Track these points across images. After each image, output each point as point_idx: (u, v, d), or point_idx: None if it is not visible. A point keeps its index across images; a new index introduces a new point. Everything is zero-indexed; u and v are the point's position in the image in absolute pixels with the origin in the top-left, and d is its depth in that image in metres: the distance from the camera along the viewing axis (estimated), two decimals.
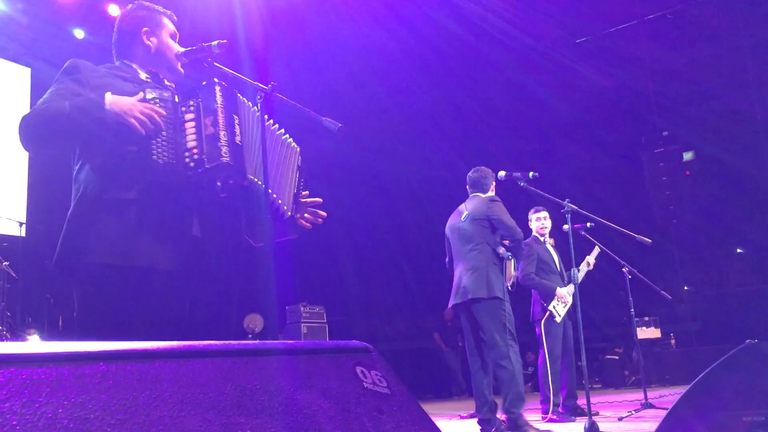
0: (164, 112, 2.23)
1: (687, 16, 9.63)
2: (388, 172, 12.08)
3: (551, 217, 6.28)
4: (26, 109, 8.42)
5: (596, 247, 6.24)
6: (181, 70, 2.55)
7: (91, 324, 2.19)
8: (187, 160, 2.23)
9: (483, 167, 5.21)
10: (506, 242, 4.89)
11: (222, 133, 2.25)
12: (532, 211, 6.30)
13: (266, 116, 2.49)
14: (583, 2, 9.37)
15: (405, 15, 9.10)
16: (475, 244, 4.84)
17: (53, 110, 2.15)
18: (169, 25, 2.56)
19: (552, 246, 6.24)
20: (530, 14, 9.29)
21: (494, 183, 5.16)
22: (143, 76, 2.45)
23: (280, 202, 2.52)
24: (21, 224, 7.37)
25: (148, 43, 2.48)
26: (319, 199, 2.71)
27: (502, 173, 4.84)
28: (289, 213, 2.59)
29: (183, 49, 2.57)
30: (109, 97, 2.16)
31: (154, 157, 2.19)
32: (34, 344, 1.11)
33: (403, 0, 8.89)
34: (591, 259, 6.29)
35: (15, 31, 8.00)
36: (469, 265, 4.79)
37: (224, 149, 2.22)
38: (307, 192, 2.73)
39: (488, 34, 9.45)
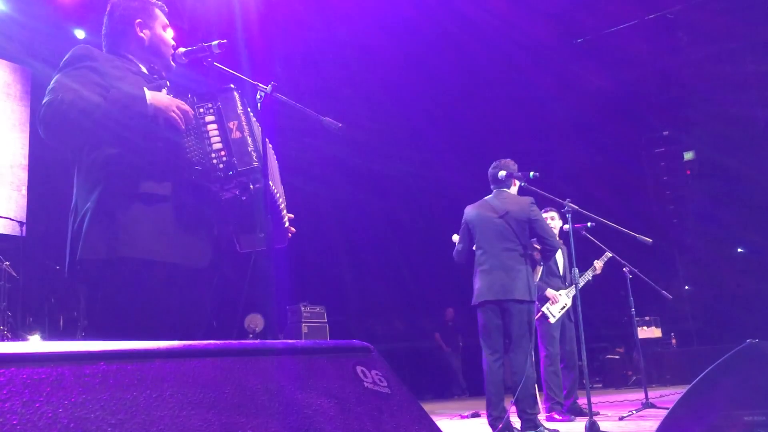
0: (192, 111, 2.25)
1: (687, 16, 9.62)
2: (387, 173, 12.07)
3: None
4: (26, 111, 8.45)
5: (606, 252, 6.23)
6: (173, 64, 2.54)
7: (114, 319, 2.12)
8: (214, 161, 2.25)
9: (503, 161, 5.10)
10: (538, 246, 4.92)
11: (249, 139, 2.30)
12: (542, 211, 6.31)
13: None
14: (583, 2, 9.37)
15: (403, 15, 9.09)
16: (515, 243, 4.80)
17: (88, 103, 2.09)
18: (161, 17, 2.55)
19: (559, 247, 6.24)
20: (530, 14, 9.27)
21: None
22: (144, 70, 2.44)
23: (283, 206, 2.55)
24: (22, 224, 7.38)
25: (141, 35, 2.45)
26: (291, 215, 2.70)
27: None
28: (286, 222, 2.61)
29: (184, 49, 2.58)
30: (149, 93, 2.16)
31: (188, 155, 2.22)
32: (34, 344, 1.11)
33: (402, 1, 8.88)
34: (599, 263, 6.29)
35: (15, 31, 8.00)
36: (508, 265, 4.75)
37: (254, 155, 2.28)
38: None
39: (488, 35, 9.45)
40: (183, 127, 2.20)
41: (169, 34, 2.56)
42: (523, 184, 4.81)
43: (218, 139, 2.28)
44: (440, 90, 10.85)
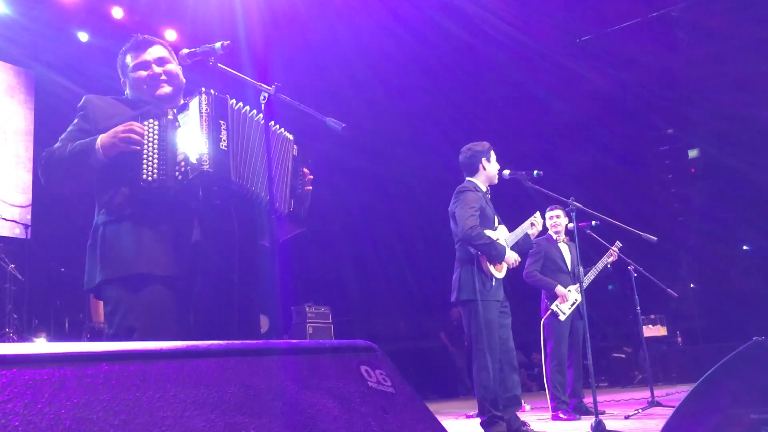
0: (143, 128, 2.33)
1: (691, 14, 9.59)
2: (390, 173, 12.07)
3: None
4: (31, 114, 8.47)
5: (617, 242, 6.23)
6: (162, 91, 2.60)
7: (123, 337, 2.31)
8: (177, 174, 2.32)
9: (474, 144, 4.76)
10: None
11: (204, 142, 2.30)
12: (548, 209, 6.30)
13: (261, 114, 2.50)
14: (585, 1, 9.35)
15: (406, 16, 9.08)
16: (456, 241, 4.62)
17: (57, 156, 2.39)
18: (131, 61, 2.64)
19: (566, 244, 6.23)
20: (532, 14, 9.25)
21: (486, 159, 4.70)
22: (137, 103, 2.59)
23: (246, 184, 2.51)
24: (27, 227, 7.40)
25: (125, 80, 2.68)
26: (311, 176, 2.74)
27: (506, 172, 4.79)
28: (287, 209, 2.59)
29: (187, 50, 2.58)
30: (98, 139, 2.34)
31: (144, 176, 2.30)
32: (36, 345, 1.10)
33: (403, 1, 8.87)
34: (614, 249, 6.25)
35: (19, 34, 8.02)
36: (455, 267, 4.63)
37: (205, 157, 2.28)
38: (310, 177, 2.73)
39: (490, 35, 9.43)
40: (136, 147, 2.31)
41: (141, 74, 2.61)
42: (527, 183, 4.75)
43: (182, 150, 2.34)
44: (443, 90, 10.83)
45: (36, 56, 8.36)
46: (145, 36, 2.71)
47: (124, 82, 2.69)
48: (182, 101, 2.50)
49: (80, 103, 2.54)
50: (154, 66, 2.61)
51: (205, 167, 2.27)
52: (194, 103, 2.36)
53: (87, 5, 8.01)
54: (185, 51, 2.59)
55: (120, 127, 2.32)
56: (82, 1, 7.97)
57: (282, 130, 2.65)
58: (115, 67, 2.75)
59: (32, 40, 8.14)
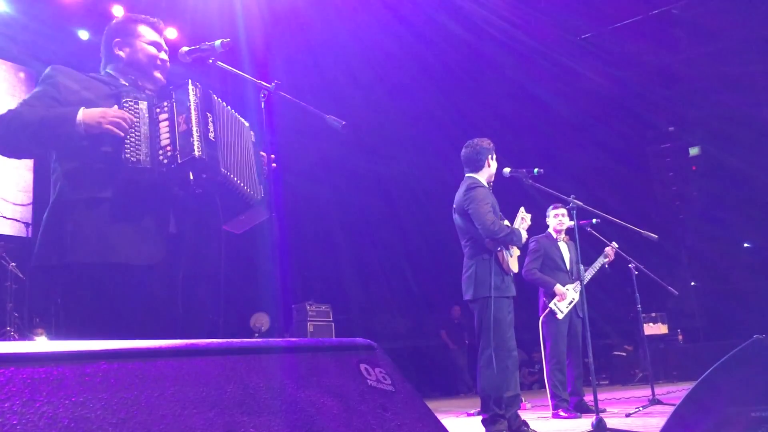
0: (134, 117, 2.29)
1: (692, 12, 9.58)
2: (390, 172, 12.06)
3: None
4: None
5: (613, 243, 6.21)
6: (159, 75, 2.57)
7: (74, 323, 2.27)
8: (161, 158, 2.28)
9: (477, 140, 4.72)
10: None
11: (195, 130, 2.29)
12: (551, 207, 6.30)
13: (216, 96, 2.49)
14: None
15: (406, 15, 9.07)
16: (466, 239, 4.60)
17: (22, 120, 2.24)
18: (146, 34, 2.58)
19: (566, 243, 6.22)
20: (532, 13, 9.25)
21: (491, 157, 4.70)
22: (123, 82, 2.51)
23: (248, 190, 2.53)
24: (27, 225, 7.40)
25: (120, 53, 2.54)
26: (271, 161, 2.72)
27: (507, 170, 4.78)
28: (259, 196, 2.61)
29: (187, 48, 2.58)
30: (80, 112, 2.24)
31: (126, 155, 2.24)
32: (34, 344, 1.10)
33: (404, 0, 8.87)
34: (610, 250, 6.22)
35: (19, 33, 8.02)
36: (465, 262, 4.62)
37: (196, 144, 2.27)
38: (268, 161, 2.72)
39: (490, 34, 9.42)
40: (121, 134, 2.24)
41: (153, 50, 2.57)
42: (528, 181, 4.73)
43: (167, 135, 2.31)
44: (443, 89, 10.82)
45: (36, 54, 8.35)
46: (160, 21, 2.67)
47: (116, 48, 2.55)
48: (164, 89, 2.49)
49: (47, 71, 2.41)
50: (163, 51, 2.60)
51: (197, 153, 2.25)
52: (183, 92, 2.35)
53: (87, 3, 8.00)
54: (185, 48, 2.60)
55: (111, 111, 2.25)
56: None
57: (238, 115, 2.63)
58: None
59: (33, 38, 8.14)
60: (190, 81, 2.36)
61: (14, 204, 7.98)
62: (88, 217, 2.25)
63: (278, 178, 2.69)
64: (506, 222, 4.69)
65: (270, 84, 2.66)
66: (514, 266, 4.61)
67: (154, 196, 2.33)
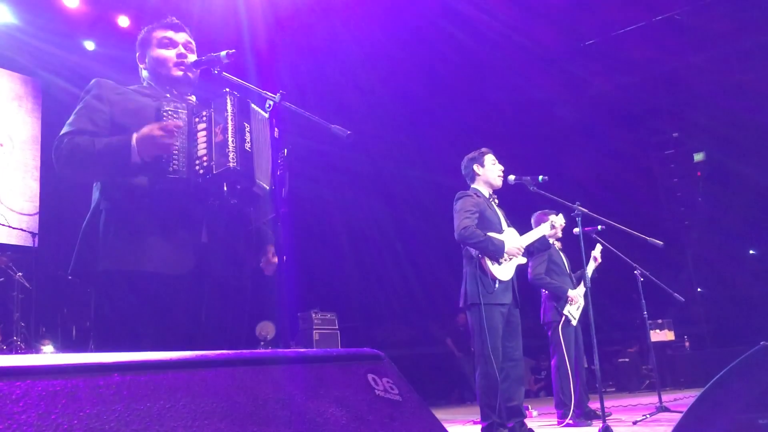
0: (180, 123, 2.31)
1: (696, 18, 9.58)
2: (395, 179, 12.08)
3: None
4: (38, 122, 8.52)
5: (598, 244, 6.20)
6: (177, 73, 2.55)
7: (105, 330, 2.26)
8: (197, 168, 2.30)
9: (469, 154, 4.83)
10: None
11: (231, 140, 2.31)
12: (552, 214, 6.28)
13: (254, 104, 2.50)
14: (589, 5, 9.35)
15: (410, 21, 9.11)
16: (463, 246, 4.61)
17: (84, 149, 2.26)
18: (158, 37, 2.59)
19: (559, 249, 6.21)
20: (536, 19, 9.26)
21: (479, 165, 4.73)
22: (163, 92, 2.53)
23: (265, 186, 2.51)
24: (34, 235, 7.43)
25: (142, 65, 2.61)
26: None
27: (511, 177, 4.79)
28: (270, 188, 2.59)
29: (194, 58, 2.60)
30: (134, 138, 2.24)
31: (170, 167, 2.27)
32: (49, 356, 1.12)
33: (407, 6, 8.90)
34: (596, 253, 6.22)
35: (26, 43, 8.08)
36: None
37: (231, 155, 2.28)
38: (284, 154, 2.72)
39: (494, 40, 9.45)
40: (176, 144, 2.27)
41: (163, 53, 2.57)
42: (532, 188, 4.75)
43: (204, 145, 2.33)
44: (447, 95, 10.85)
45: (43, 65, 8.42)
46: (177, 20, 2.67)
47: (141, 59, 2.60)
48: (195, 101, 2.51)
49: (91, 84, 2.41)
50: (181, 47, 2.59)
51: (232, 165, 2.27)
52: (222, 102, 2.37)
53: (93, 14, 8.06)
54: (191, 60, 2.61)
55: (156, 130, 2.23)
56: (89, 9, 8.03)
57: (259, 109, 2.62)
58: (122, 74, 2.76)
59: (39, 48, 8.20)
60: (227, 90, 2.39)
61: (20, 213, 8.03)
62: (121, 226, 2.26)
63: (282, 185, 2.69)
64: (512, 230, 4.68)
65: (275, 94, 2.67)
66: (506, 274, 4.50)
67: (189, 206, 2.33)
